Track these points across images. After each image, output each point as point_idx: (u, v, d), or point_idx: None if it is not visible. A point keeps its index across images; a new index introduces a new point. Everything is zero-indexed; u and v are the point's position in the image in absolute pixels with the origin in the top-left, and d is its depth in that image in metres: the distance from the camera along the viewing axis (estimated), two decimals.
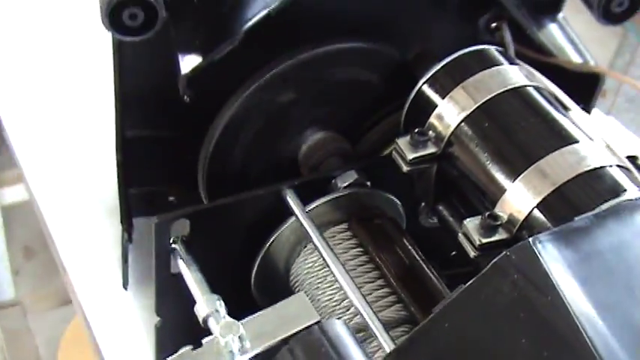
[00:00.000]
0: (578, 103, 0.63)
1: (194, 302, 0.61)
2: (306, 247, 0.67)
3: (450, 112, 0.62)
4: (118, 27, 0.58)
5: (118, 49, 0.66)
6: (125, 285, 0.78)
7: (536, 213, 0.55)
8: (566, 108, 0.62)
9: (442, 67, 0.64)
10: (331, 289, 0.65)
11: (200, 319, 0.59)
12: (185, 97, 0.66)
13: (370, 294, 0.63)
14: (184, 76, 0.65)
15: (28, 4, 1.16)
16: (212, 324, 0.58)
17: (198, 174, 0.71)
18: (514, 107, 0.61)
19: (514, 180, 0.56)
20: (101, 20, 0.58)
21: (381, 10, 0.68)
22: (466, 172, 0.60)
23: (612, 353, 0.40)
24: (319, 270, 0.66)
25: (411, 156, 0.61)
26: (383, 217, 0.69)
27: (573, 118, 0.60)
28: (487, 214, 0.55)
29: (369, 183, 0.68)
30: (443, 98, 0.62)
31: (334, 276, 0.62)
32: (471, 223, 0.56)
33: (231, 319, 0.56)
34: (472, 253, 0.55)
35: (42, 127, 0.98)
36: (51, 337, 1.72)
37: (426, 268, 0.66)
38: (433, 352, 0.46)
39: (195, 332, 0.58)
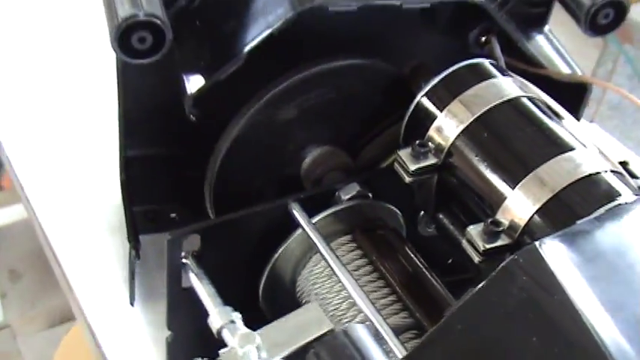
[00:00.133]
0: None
1: (206, 315, 0.62)
2: (311, 258, 0.68)
3: (448, 125, 0.63)
4: (126, 50, 0.59)
5: (123, 70, 0.68)
6: (132, 301, 0.79)
7: (537, 218, 0.56)
8: (559, 117, 0.63)
9: (439, 80, 0.65)
10: (337, 299, 0.66)
11: (214, 331, 0.60)
12: (191, 116, 0.67)
13: (377, 302, 0.64)
14: (190, 96, 0.66)
15: (30, 19, 1.16)
16: (227, 335, 0.59)
17: (204, 190, 0.72)
18: (510, 118, 0.62)
19: (514, 187, 0.58)
20: (110, 44, 0.59)
21: (376, 27, 0.69)
22: (466, 182, 0.61)
23: (620, 349, 0.41)
24: (325, 281, 0.67)
25: (413, 167, 0.62)
26: (385, 228, 0.70)
27: (567, 127, 0.61)
28: (490, 220, 0.57)
29: (370, 195, 0.69)
30: (441, 111, 0.64)
31: (342, 285, 0.63)
32: (475, 230, 0.57)
33: (248, 330, 0.57)
34: (476, 259, 0.56)
35: (43, 148, 0.98)
36: (41, 358, 1.71)
37: (429, 276, 0.67)
38: (448, 353, 0.47)
39: (206, 345, 0.59)
